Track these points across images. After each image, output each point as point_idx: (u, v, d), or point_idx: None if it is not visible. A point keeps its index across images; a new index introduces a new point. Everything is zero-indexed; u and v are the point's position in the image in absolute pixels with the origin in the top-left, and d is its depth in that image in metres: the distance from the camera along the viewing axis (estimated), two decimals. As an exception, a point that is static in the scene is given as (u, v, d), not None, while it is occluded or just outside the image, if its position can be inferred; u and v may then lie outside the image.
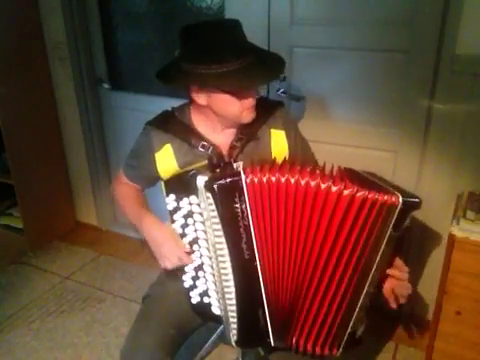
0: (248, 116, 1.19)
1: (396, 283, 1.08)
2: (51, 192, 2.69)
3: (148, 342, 1.17)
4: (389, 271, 1.06)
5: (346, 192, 0.95)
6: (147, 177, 1.34)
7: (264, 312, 1.07)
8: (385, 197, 0.95)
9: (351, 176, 1.01)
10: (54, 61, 2.50)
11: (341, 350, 1.10)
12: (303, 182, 0.97)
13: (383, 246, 0.99)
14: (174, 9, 2.20)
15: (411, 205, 0.97)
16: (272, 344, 1.11)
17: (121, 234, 2.77)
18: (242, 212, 1.00)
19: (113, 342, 1.96)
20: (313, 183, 0.97)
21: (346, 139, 1.88)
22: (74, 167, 2.76)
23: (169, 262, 1.14)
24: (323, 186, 0.96)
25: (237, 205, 0.99)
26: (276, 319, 1.09)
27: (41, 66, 2.49)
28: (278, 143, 1.28)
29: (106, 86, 2.49)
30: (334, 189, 0.96)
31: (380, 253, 1.00)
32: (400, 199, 0.95)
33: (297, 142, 1.32)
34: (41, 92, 2.52)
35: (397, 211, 0.96)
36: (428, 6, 1.58)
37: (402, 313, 2.03)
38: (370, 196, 0.95)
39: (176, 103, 1.37)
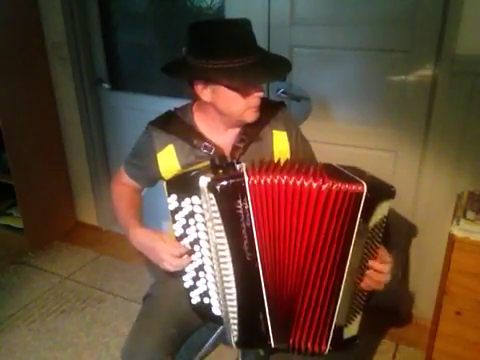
0: (251, 115, 1.19)
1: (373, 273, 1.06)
2: (51, 192, 2.69)
3: (149, 342, 1.16)
4: (370, 263, 1.05)
5: (324, 187, 0.97)
6: (148, 176, 1.34)
7: (265, 313, 1.07)
8: (353, 187, 0.96)
9: (328, 171, 1.03)
10: (54, 61, 2.50)
11: (329, 347, 1.09)
12: (291, 181, 0.98)
13: (354, 237, 0.99)
14: (174, 9, 2.19)
15: (378, 193, 0.98)
16: (272, 345, 1.11)
17: (121, 234, 2.77)
18: (244, 213, 1.00)
19: (113, 342, 1.96)
20: (299, 182, 0.98)
21: (346, 139, 1.88)
22: (74, 167, 2.76)
23: (169, 264, 1.12)
24: (306, 184, 0.98)
25: (239, 206, 0.99)
26: (276, 320, 1.08)
27: (41, 66, 2.49)
28: (280, 144, 1.28)
29: (106, 86, 2.48)
30: (314, 185, 0.97)
31: (352, 244, 1.00)
32: (364, 187, 0.96)
33: (298, 143, 1.32)
34: (41, 92, 2.52)
35: (363, 199, 0.97)
36: (428, 6, 1.58)
37: (402, 313, 2.03)
38: (342, 187, 0.96)
39: (176, 103, 1.37)
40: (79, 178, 2.77)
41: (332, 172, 1.02)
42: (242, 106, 1.16)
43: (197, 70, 1.13)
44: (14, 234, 2.66)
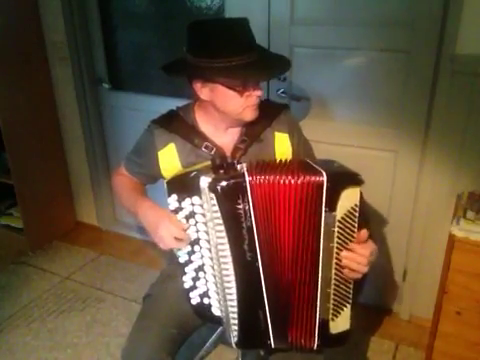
0: (250, 114, 1.18)
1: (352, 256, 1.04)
2: (51, 192, 2.69)
3: (149, 342, 1.17)
4: (350, 245, 1.03)
5: (297, 181, 0.99)
6: (148, 174, 1.34)
7: (265, 313, 1.07)
8: (314, 178, 0.98)
9: (302, 166, 1.06)
10: (54, 61, 2.50)
11: (317, 342, 1.09)
12: (280, 180, 1.00)
13: (322, 227, 1.00)
14: (174, 9, 2.20)
15: (339, 181, 0.99)
16: (272, 345, 1.11)
17: (121, 234, 2.77)
18: (245, 213, 1.00)
19: (113, 342, 1.96)
20: (284, 180, 1.00)
21: (346, 139, 1.89)
22: (74, 167, 2.76)
23: (166, 242, 1.11)
24: (289, 181, 0.99)
25: (240, 206, 1.00)
26: (276, 319, 1.09)
27: (41, 66, 2.49)
28: (282, 146, 1.28)
29: (106, 86, 2.48)
30: (292, 181, 0.99)
31: (322, 234, 1.01)
32: (324, 176, 0.98)
33: (300, 145, 1.32)
34: (41, 92, 2.52)
35: (324, 188, 0.98)
36: (428, 6, 1.58)
37: (402, 313, 2.03)
38: (306, 179, 0.98)
39: (176, 103, 1.37)
40: (79, 178, 2.77)
41: (305, 167, 1.05)
42: (240, 105, 1.16)
43: (195, 68, 1.14)
44: (14, 234, 2.66)
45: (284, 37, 1.85)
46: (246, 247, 1.02)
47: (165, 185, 1.10)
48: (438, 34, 1.59)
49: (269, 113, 1.27)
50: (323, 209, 0.99)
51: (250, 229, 1.01)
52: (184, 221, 1.10)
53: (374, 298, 2.08)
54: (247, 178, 0.99)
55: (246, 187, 0.99)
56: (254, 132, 1.25)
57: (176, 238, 1.09)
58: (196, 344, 1.57)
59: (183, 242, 1.11)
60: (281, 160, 1.09)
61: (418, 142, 1.76)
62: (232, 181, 1.00)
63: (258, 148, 1.25)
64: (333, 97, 1.88)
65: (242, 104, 1.16)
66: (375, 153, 1.86)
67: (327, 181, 0.98)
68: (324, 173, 0.98)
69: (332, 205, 0.99)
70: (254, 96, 1.16)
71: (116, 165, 2.30)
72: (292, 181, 0.99)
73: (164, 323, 1.21)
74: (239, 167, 1.07)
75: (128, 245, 2.67)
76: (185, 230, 1.10)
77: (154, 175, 1.32)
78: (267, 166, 1.05)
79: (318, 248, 1.02)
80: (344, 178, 1.01)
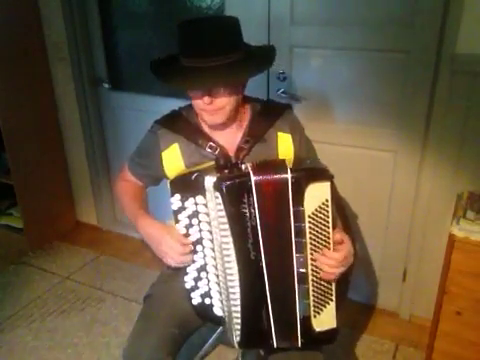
0: (206, 118, 1.17)
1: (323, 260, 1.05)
2: (51, 192, 2.68)
3: (150, 342, 1.17)
4: (323, 250, 1.05)
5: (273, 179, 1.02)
6: (152, 175, 1.34)
7: (268, 312, 1.08)
8: (280, 175, 1.01)
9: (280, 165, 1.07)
10: (54, 61, 2.50)
11: (301, 339, 1.09)
12: (270, 179, 1.02)
13: (292, 222, 1.01)
14: (174, 9, 2.20)
15: (302, 176, 1.00)
16: (275, 345, 1.11)
17: (121, 234, 2.77)
18: (250, 212, 1.01)
19: (113, 342, 1.96)
20: (272, 179, 1.02)
21: (346, 139, 1.89)
22: (74, 167, 2.76)
23: (171, 260, 1.13)
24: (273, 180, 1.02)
25: (245, 205, 1.00)
26: (279, 319, 1.09)
27: (41, 66, 2.49)
28: (284, 146, 1.28)
29: (106, 86, 2.49)
30: (273, 179, 1.02)
31: (293, 230, 1.02)
32: (288, 173, 1.00)
33: (302, 145, 1.32)
34: (41, 92, 2.52)
35: (289, 184, 0.99)
36: (428, 6, 1.58)
37: (402, 313, 2.03)
38: (272, 177, 1.01)
39: (176, 103, 1.37)
40: (79, 178, 2.77)
41: (279, 166, 1.06)
42: (197, 106, 1.17)
43: (170, 67, 1.17)
44: (14, 234, 2.66)
45: (284, 37, 1.85)
46: (250, 246, 1.03)
47: (168, 185, 1.10)
48: (438, 34, 1.59)
49: (272, 113, 1.27)
50: (291, 205, 1.01)
51: (254, 228, 1.02)
52: (187, 221, 1.10)
53: (374, 298, 2.08)
54: (252, 177, 1.00)
55: (251, 186, 1.00)
56: (257, 132, 1.25)
57: (181, 254, 1.11)
58: (196, 344, 1.57)
59: (187, 258, 1.12)
60: (272, 160, 1.12)
61: (418, 142, 1.76)
62: (237, 180, 1.00)
63: (261, 148, 1.25)
64: (333, 97, 1.88)
65: (197, 106, 1.16)
66: (374, 153, 1.86)
67: (291, 177, 0.99)
68: (288, 170, 1.00)
69: (299, 200, 1.01)
70: (201, 102, 1.13)
71: (116, 165, 2.30)
72: (273, 179, 1.01)
73: (165, 323, 1.21)
74: (243, 167, 1.08)
75: (128, 245, 2.67)
76: (186, 244, 1.11)
77: (158, 176, 1.31)
78: (264, 165, 1.06)
79: (291, 243, 1.03)
80: (308, 173, 1.03)
